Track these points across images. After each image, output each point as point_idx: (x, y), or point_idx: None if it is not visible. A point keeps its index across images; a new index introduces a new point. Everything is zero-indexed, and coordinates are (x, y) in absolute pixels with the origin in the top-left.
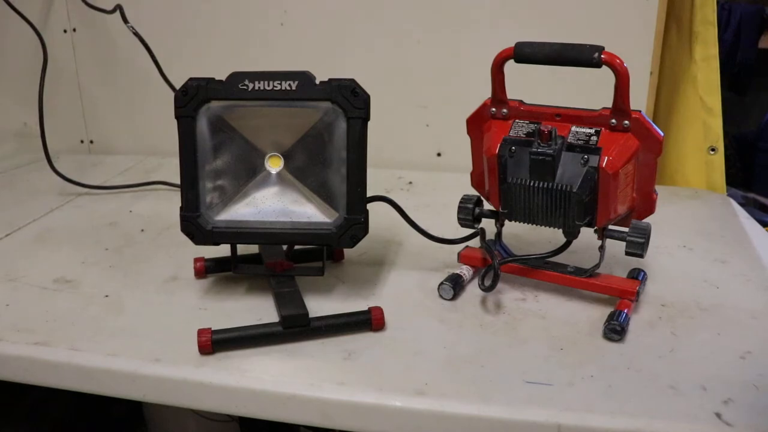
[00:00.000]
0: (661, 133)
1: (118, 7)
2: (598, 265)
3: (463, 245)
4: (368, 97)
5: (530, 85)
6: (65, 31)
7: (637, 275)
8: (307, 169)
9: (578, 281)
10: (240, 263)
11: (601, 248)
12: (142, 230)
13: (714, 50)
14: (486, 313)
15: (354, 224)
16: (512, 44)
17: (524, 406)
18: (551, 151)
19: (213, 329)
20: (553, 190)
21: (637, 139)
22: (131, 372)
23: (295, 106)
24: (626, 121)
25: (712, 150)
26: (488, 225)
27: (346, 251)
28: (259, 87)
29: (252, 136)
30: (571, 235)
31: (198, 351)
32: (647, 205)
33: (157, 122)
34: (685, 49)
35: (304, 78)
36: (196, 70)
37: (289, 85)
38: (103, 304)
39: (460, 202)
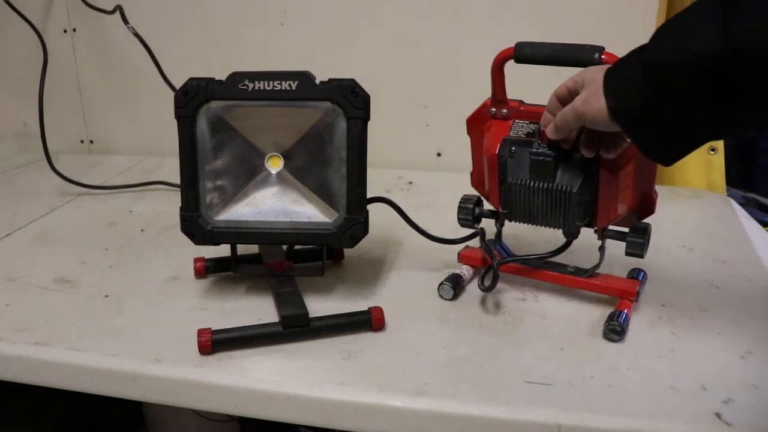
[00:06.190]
0: None
1: (118, 7)
2: (598, 265)
3: (463, 245)
4: (368, 97)
5: (530, 85)
6: (65, 31)
7: (637, 275)
8: (307, 169)
9: (578, 281)
10: (240, 263)
11: (601, 248)
12: (142, 230)
13: None
14: (486, 313)
15: (354, 224)
16: (512, 44)
17: (524, 406)
18: (551, 152)
19: (213, 329)
20: (553, 191)
21: None
22: (131, 372)
23: (295, 106)
24: None
25: (712, 150)
26: (488, 225)
27: (346, 251)
28: (259, 87)
29: (252, 136)
30: (571, 235)
31: (198, 351)
32: (647, 205)
33: (157, 122)
34: None
35: (304, 78)
36: (196, 70)
37: (289, 85)
38: (103, 304)
39: (460, 202)
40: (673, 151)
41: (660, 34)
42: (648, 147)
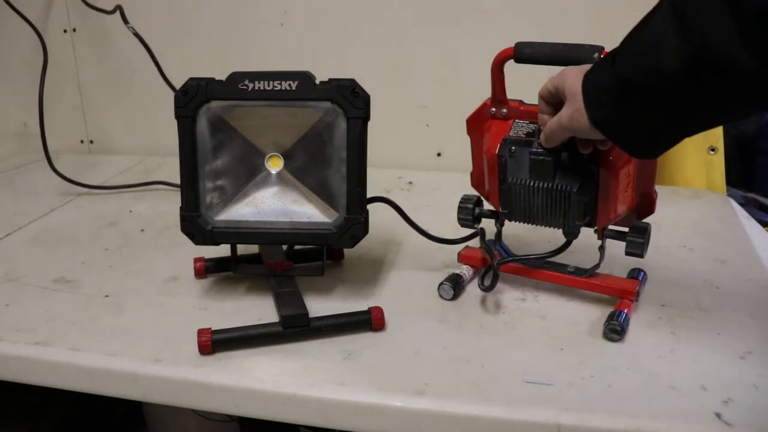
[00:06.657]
0: None
1: (118, 7)
2: (598, 265)
3: (463, 245)
4: (368, 97)
5: (530, 85)
6: (65, 31)
7: (637, 275)
8: (307, 169)
9: (578, 281)
10: (240, 263)
11: (601, 248)
12: (142, 230)
13: None
14: (486, 313)
15: (354, 224)
16: (512, 44)
17: (524, 406)
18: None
19: (213, 329)
20: (553, 190)
21: None
22: (131, 372)
23: (295, 106)
24: None
25: (712, 150)
26: (488, 225)
27: (346, 251)
28: (259, 87)
29: (252, 136)
30: (571, 235)
31: (198, 351)
32: (647, 205)
33: (157, 122)
34: None
35: (304, 78)
36: (196, 70)
37: (289, 85)
38: (103, 304)
39: (460, 202)
40: (654, 150)
41: (627, 43)
42: (629, 147)
